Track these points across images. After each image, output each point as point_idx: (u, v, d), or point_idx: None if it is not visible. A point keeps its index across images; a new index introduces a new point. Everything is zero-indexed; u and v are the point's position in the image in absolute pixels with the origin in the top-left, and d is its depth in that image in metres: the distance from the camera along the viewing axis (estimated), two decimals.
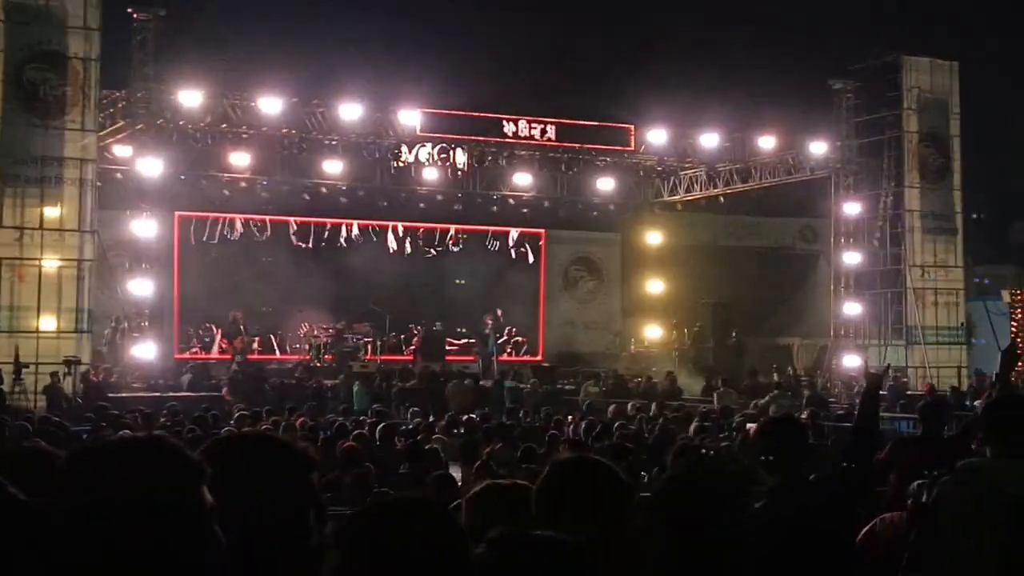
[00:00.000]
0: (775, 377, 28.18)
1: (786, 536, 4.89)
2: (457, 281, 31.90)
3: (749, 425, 15.11)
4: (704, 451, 11.78)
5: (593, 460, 3.95)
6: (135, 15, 24.71)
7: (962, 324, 30.11)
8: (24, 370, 21.71)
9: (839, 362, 29.93)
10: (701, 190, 32.44)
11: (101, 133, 24.60)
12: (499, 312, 30.09)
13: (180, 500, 2.39)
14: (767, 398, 22.48)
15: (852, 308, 30.21)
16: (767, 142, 29.60)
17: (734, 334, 31.18)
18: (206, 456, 2.54)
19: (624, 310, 34.92)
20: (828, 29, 37.69)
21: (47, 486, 2.94)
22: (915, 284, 29.63)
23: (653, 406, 20.37)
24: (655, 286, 34.35)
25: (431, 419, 17.83)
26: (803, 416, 19.46)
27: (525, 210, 32.36)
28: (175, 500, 2.38)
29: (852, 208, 30.17)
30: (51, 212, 23.74)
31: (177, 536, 2.36)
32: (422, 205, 30.92)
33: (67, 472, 2.44)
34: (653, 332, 34.00)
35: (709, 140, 29.67)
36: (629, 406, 20.02)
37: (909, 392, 25.76)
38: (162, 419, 17.04)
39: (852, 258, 30.26)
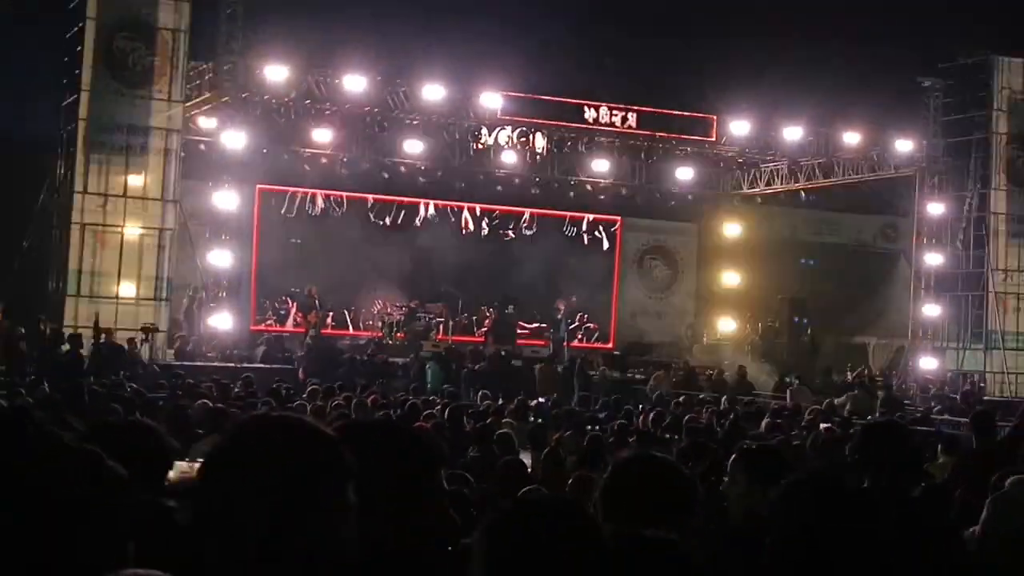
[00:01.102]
0: (849, 376, 27.87)
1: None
2: (555, 271, 31.62)
3: (823, 425, 14.97)
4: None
5: (656, 458, 3.91)
6: None
7: None
8: (104, 335, 22.07)
9: (916, 364, 29.52)
10: (782, 184, 32.10)
11: (187, 104, 24.87)
12: (572, 298, 30.04)
13: (333, 490, 2.34)
14: (844, 397, 22.24)
15: (931, 310, 29.78)
16: (851, 138, 29.19)
17: (809, 331, 30.88)
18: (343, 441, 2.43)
19: (698, 301, 34.72)
20: (918, 25, 37.02)
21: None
22: (997, 288, 29.13)
23: (724, 400, 20.24)
24: (730, 278, 34.10)
25: (500, 402, 17.85)
26: (874, 417, 19.28)
27: (602, 196, 32.24)
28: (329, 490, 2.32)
29: (936, 208, 29.70)
30: (135, 180, 24.09)
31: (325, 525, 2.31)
32: (499, 188, 30.94)
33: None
34: (726, 325, 33.78)
35: (792, 133, 29.28)
36: (700, 398, 19.93)
37: (987, 397, 25.33)
38: (236, 390, 17.23)
39: (934, 259, 29.81)
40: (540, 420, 15.02)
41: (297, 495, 2.29)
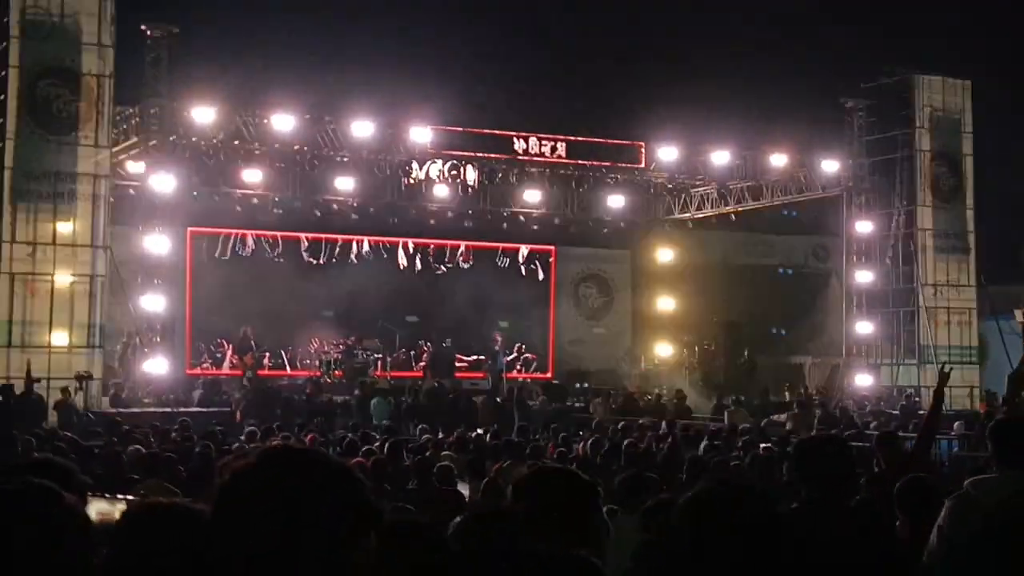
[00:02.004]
0: (787, 396, 28.14)
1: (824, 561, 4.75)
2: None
3: (762, 445, 15.10)
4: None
5: (550, 469, 3.99)
6: (148, 32, 24.80)
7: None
8: (35, 385, 21.75)
9: (851, 381, 29.85)
10: (712, 208, 32.42)
11: (114, 149, 24.66)
12: (496, 333, 30.13)
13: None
14: (783, 416, 22.46)
15: (864, 327, 30.15)
16: (778, 160, 29.56)
17: (746, 353, 31.13)
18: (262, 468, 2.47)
19: (634, 327, 34.89)
20: (839, 47, 37.66)
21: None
22: (927, 303, 29.57)
23: (663, 424, 20.34)
24: (666, 304, 34.33)
25: (440, 435, 17.82)
26: (812, 434, 19.44)
27: (535, 227, 32.37)
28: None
29: (864, 227, 30.13)
30: (64, 227, 23.80)
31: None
32: (432, 222, 30.97)
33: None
34: (664, 350, 33.97)
35: (720, 157, 29.63)
36: (639, 423, 20.01)
37: (921, 412, 25.64)
38: (173, 434, 17.06)
39: (864, 277, 30.21)
40: (479, 451, 14.99)
41: (307, 523, 2.36)
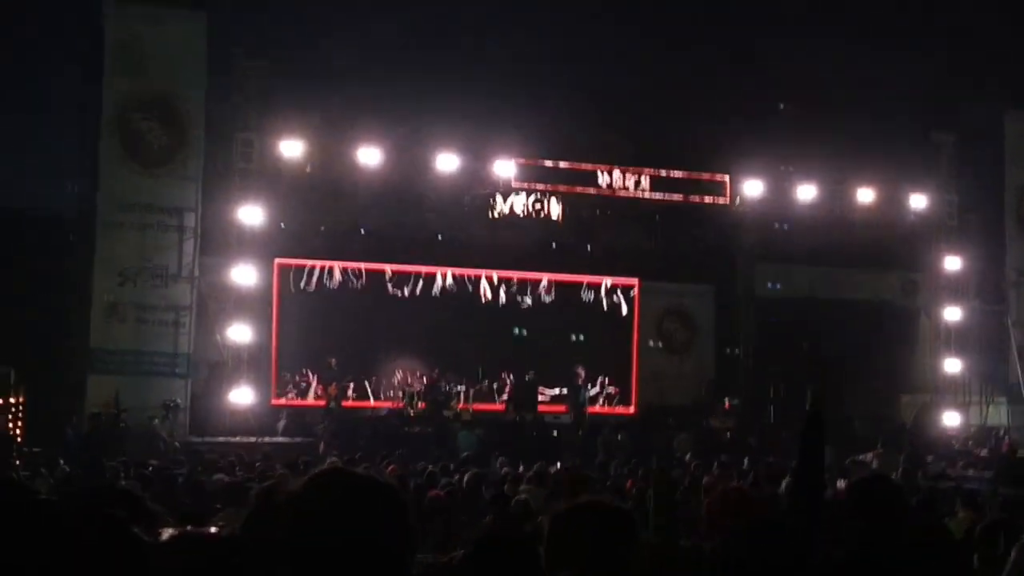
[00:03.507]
0: (875, 433, 27.69)
1: None
2: (574, 337, 31.78)
3: (840, 483, 14.88)
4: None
5: (590, 503, 3.99)
6: (240, 66, 25.27)
7: None
8: (123, 414, 22.16)
9: (939, 420, 29.34)
10: (798, 242, 32.08)
11: (204, 181, 25.12)
12: (579, 368, 30.03)
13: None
14: (869, 455, 22.13)
15: (953, 364, 29.65)
16: (866, 194, 29.25)
17: (832, 389, 30.68)
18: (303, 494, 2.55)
19: (718, 363, 34.57)
20: (928, 80, 37.23)
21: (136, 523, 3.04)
22: (1018, 341, 28.99)
23: (746, 460, 20.15)
24: (750, 339, 33.98)
25: (520, 469, 17.80)
26: (899, 473, 19.15)
27: (619, 260, 32.28)
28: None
29: (953, 263, 29.67)
30: (154, 258, 24.27)
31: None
32: (516, 255, 31.02)
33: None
34: (748, 385, 33.58)
35: (806, 192, 29.37)
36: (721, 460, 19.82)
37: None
38: (257, 464, 17.26)
39: (953, 313, 29.73)
40: (558, 486, 14.92)
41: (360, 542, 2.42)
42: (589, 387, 30.46)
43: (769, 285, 33.71)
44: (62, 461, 16.24)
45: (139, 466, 15.86)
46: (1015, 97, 30.23)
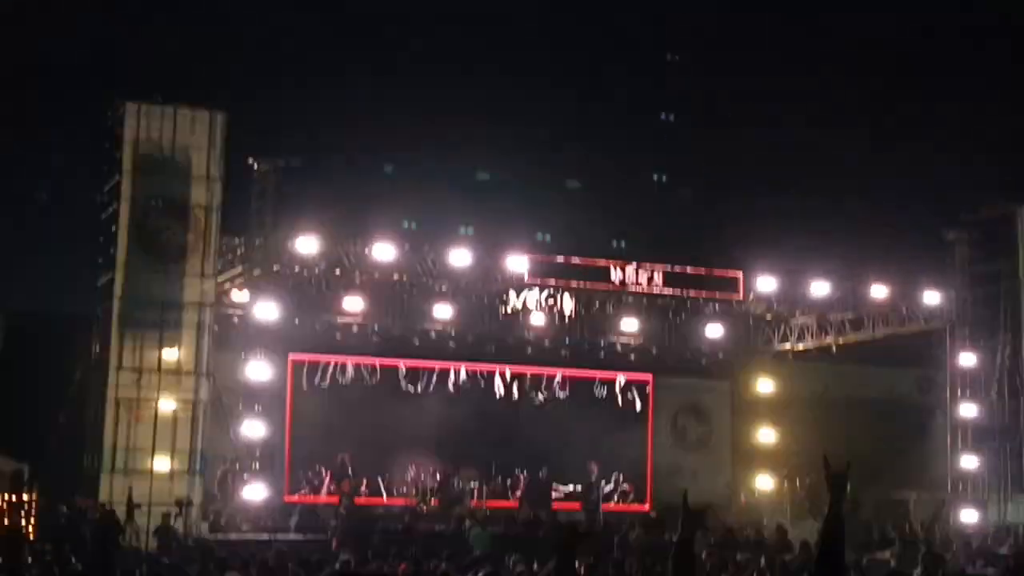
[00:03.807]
0: (890, 532, 27.40)
1: None
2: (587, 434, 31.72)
3: None
4: None
5: None
6: (255, 166, 25.57)
7: None
8: (136, 511, 22.07)
9: (957, 517, 29.03)
10: (812, 339, 32.08)
11: (219, 278, 25.31)
12: (593, 464, 29.81)
13: None
14: (887, 553, 21.88)
15: (970, 462, 29.39)
16: (879, 291, 29.26)
17: (849, 487, 30.42)
18: None
19: (734, 459, 34.38)
20: (940, 178, 37.51)
21: None
22: None
23: (763, 559, 19.93)
24: (766, 435, 33.83)
25: (535, 567, 17.62)
26: (918, 572, 18.93)
27: (633, 356, 32.29)
28: None
29: (968, 359, 29.55)
30: (169, 355, 24.36)
31: None
32: (529, 350, 31.05)
33: None
34: (764, 482, 33.39)
35: (820, 288, 29.40)
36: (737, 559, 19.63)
37: None
38: (269, 562, 17.14)
39: (969, 410, 29.53)
40: None
41: None
42: (603, 483, 30.28)
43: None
44: (74, 559, 16.15)
45: (152, 563, 15.77)
46: None
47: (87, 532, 21.14)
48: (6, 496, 21.70)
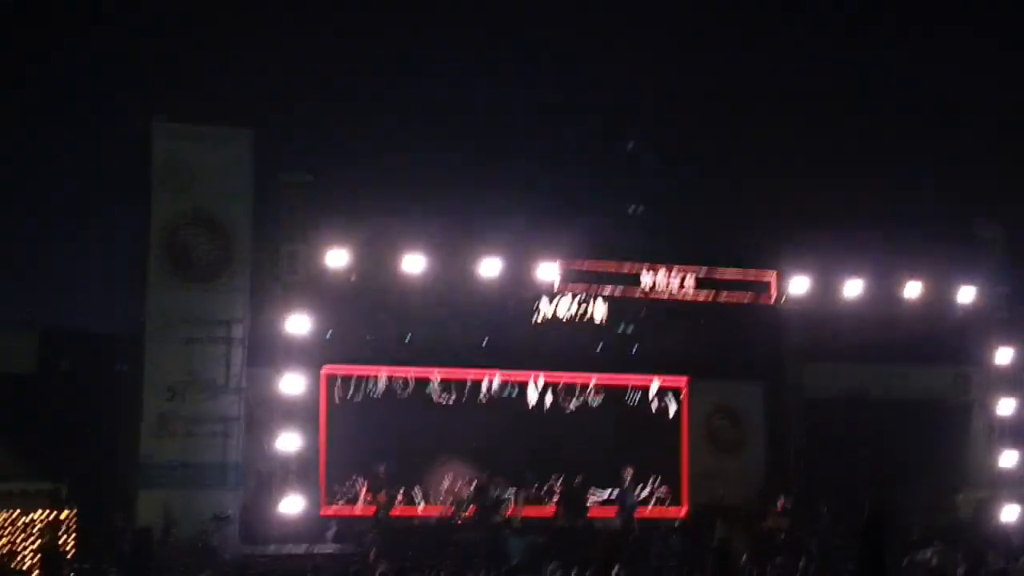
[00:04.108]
0: (932, 530, 27.19)
1: None
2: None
3: None
4: None
5: None
6: (286, 179, 25.66)
7: None
8: (173, 528, 22.17)
9: (998, 514, 28.80)
10: (846, 338, 31.85)
11: (251, 293, 25.37)
12: (629, 468, 29.74)
13: None
14: (928, 552, 21.74)
15: (1010, 458, 29.19)
16: (913, 288, 29.06)
17: (885, 485, 30.25)
18: None
19: (770, 462, 34.17)
20: (976, 173, 37.18)
21: None
22: None
23: (801, 561, 19.84)
24: (802, 437, 33.61)
25: (573, 575, 17.60)
26: (961, 571, 18.79)
27: (666, 360, 32.15)
28: None
29: (1005, 355, 29.35)
30: (202, 370, 24.46)
31: None
32: (562, 358, 30.97)
33: None
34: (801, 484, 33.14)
35: (853, 287, 29.21)
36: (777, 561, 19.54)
37: None
38: (308, 574, 17.19)
39: (1008, 406, 29.33)
40: None
41: None
42: (639, 489, 30.18)
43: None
44: None
45: None
46: None
47: (125, 549, 21.27)
48: (45, 514, 21.82)
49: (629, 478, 29.50)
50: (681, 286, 28.30)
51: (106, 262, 33.11)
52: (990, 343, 29.43)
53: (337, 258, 25.76)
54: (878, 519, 5.56)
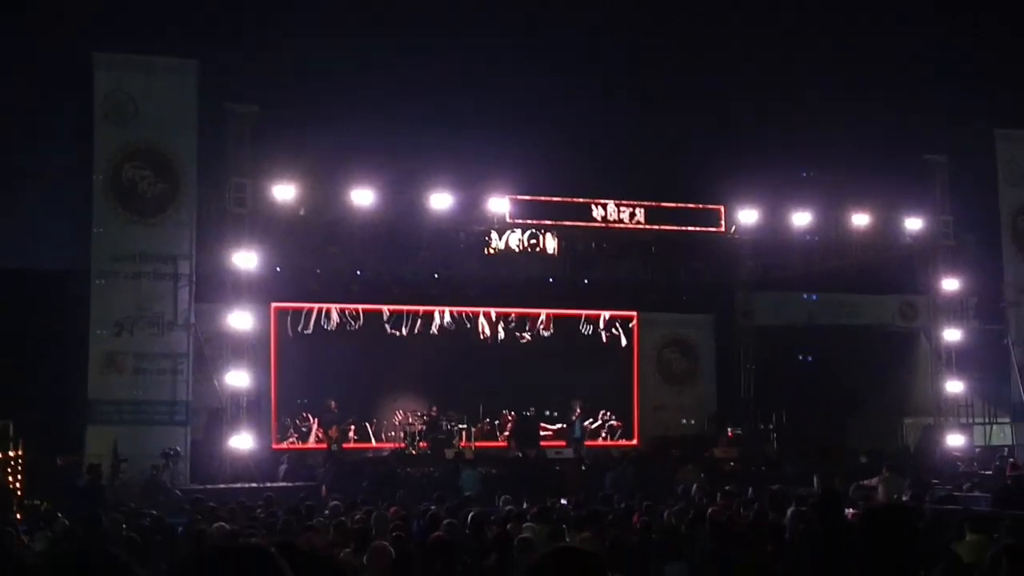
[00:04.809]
0: (878, 457, 27.55)
1: None
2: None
3: (850, 511, 14.75)
4: None
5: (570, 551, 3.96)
6: (231, 111, 25.26)
7: None
8: (123, 463, 22.02)
9: (943, 441, 29.22)
10: (795, 269, 32.05)
11: (198, 227, 25.05)
12: (577, 403, 29.88)
13: None
14: (875, 480, 21.96)
15: (955, 386, 29.55)
16: (861, 219, 29.18)
17: (835, 416, 30.65)
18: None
19: (720, 392, 34.47)
20: (921, 103, 37.35)
21: None
22: (1019, 359, 28.92)
23: (750, 489, 20.00)
24: (751, 367, 33.92)
25: (524, 506, 17.67)
26: (905, 498, 19.02)
27: (616, 293, 32.25)
28: None
29: (951, 284, 29.63)
30: (149, 306, 24.19)
31: None
32: (513, 291, 30.99)
33: None
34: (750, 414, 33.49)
35: (801, 218, 29.27)
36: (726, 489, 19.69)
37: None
38: (258, 510, 17.13)
39: (953, 335, 29.66)
40: (561, 522, 14.82)
41: None
42: (589, 421, 30.38)
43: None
44: (60, 514, 16.09)
45: (139, 516, 15.74)
46: (1004, 116, 30.31)
47: (74, 487, 21.13)
48: None
49: (578, 410, 29.67)
50: (632, 218, 28.23)
51: (50, 198, 32.65)
52: (936, 272, 29.69)
53: (285, 192, 25.46)
54: (834, 496, 5.65)
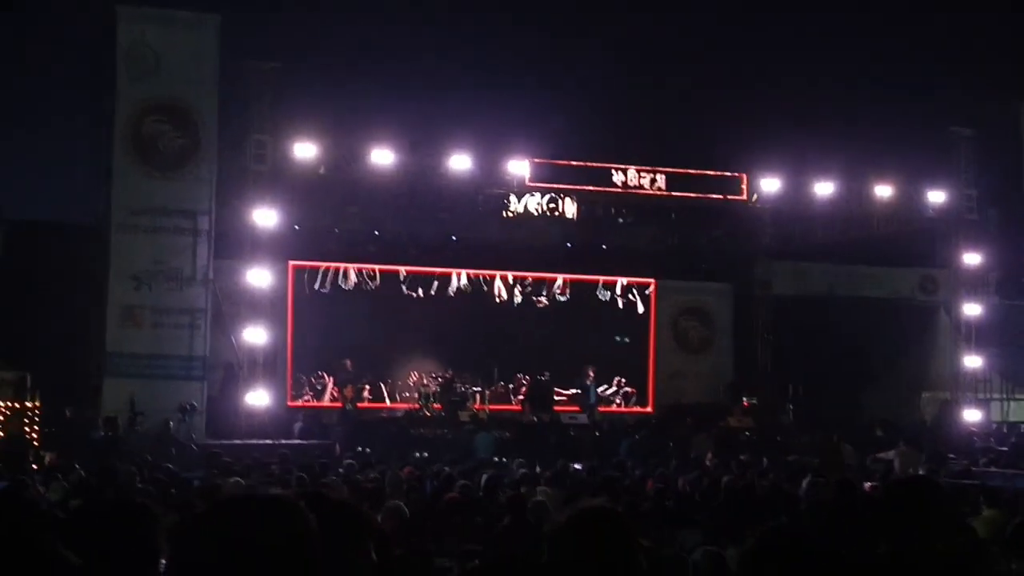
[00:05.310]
0: (895, 430, 27.47)
1: None
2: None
3: (867, 484, 14.70)
4: None
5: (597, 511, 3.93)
6: (253, 67, 25.18)
7: None
8: (139, 417, 22.09)
9: (960, 416, 29.11)
10: (816, 239, 31.87)
11: (217, 184, 25.01)
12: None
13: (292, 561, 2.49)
14: (891, 453, 21.91)
15: (974, 361, 29.42)
16: (884, 190, 28.98)
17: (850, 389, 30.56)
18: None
19: (737, 362, 34.34)
20: (947, 76, 37.01)
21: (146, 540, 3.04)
22: None
23: (764, 459, 19.99)
24: (769, 337, 33.77)
25: (538, 470, 17.66)
26: (921, 472, 18.96)
27: (634, 259, 32.13)
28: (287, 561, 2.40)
29: (973, 258, 29.44)
30: (168, 261, 24.20)
31: None
32: (531, 254, 30.90)
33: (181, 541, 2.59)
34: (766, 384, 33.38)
35: (824, 188, 29.07)
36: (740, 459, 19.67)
37: None
38: (272, 467, 17.15)
39: (972, 309, 29.49)
40: (576, 487, 14.80)
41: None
42: (605, 387, 30.34)
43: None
44: (77, 465, 16.16)
45: (154, 469, 15.79)
46: None
47: (90, 439, 21.22)
48: (10, 404, 21.70)
49: (591, 375, 29.62)
50: (652, 184, 28.07)
51: (71, 151, 32.65)
52: (958, 245, 29.50)
53: (305, 150, 25.40)
54: (849, 486, 5.64)
